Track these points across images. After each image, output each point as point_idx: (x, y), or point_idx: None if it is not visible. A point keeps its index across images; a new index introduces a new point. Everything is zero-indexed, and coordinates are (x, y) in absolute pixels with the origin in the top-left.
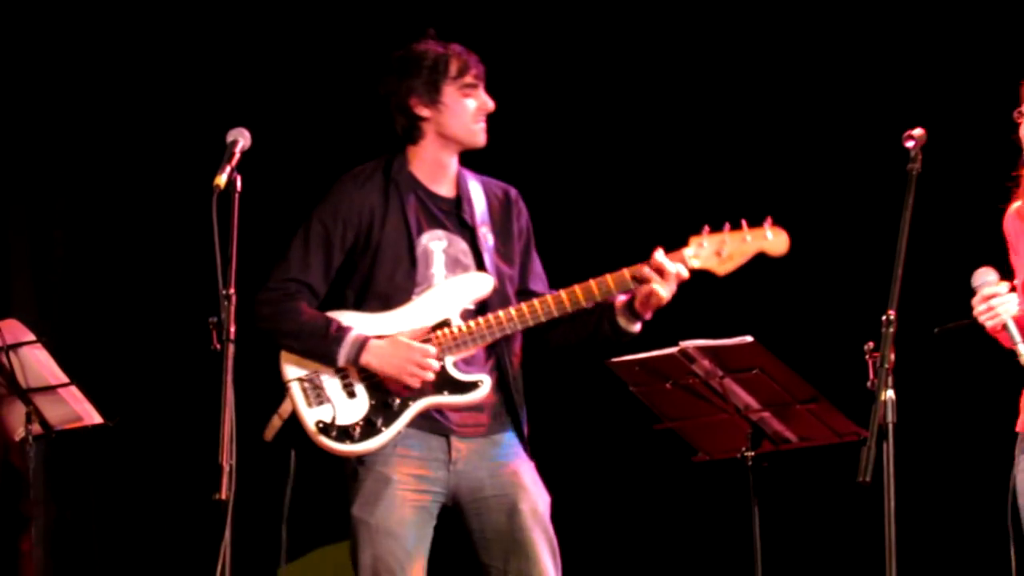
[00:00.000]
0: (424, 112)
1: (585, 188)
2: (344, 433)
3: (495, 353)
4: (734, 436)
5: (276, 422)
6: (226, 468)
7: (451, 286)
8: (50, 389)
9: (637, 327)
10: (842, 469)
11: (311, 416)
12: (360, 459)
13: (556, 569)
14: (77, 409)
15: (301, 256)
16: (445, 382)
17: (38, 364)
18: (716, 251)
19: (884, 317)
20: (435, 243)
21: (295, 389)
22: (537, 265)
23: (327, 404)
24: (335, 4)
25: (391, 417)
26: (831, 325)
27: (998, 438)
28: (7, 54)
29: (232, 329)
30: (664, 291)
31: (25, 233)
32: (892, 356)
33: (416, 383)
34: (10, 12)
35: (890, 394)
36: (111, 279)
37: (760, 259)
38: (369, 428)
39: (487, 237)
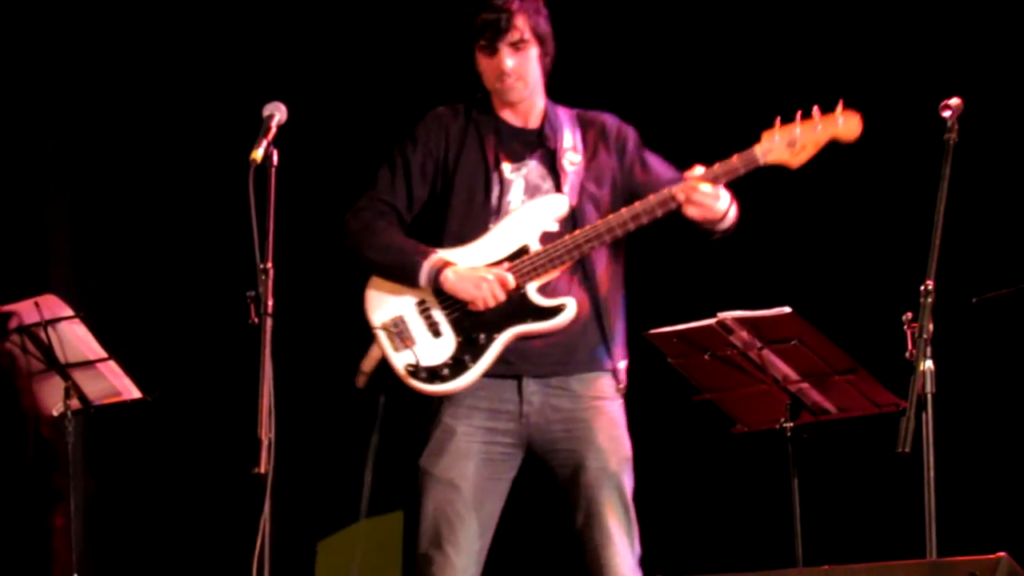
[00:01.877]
0: (475, 64)
1: (662, 91)
2: (434, 373)
3: (579, 278)
4: (773, 407)
5: (367, 368)
6: (265, 442)
7: (525, 211)
8: (89, 364)
9: (718, 223)
10: (881, 440)
11: (400, 360)
12: (437, 409)
13: (625, 530)
14: (116, 384)
15: (388, 181)
16: (528, 309)
17: (76, 339)
18: (788, 143)
19: (922, 287)
20: (513, 174)
21: (382, 335)
22: (657, 166)
23: (415, 347)
24: None
25: (479, 352)
26: (869, 296)
27: None
28: (46, 31)
29: (270, 303)
30: (696, 212)
31: (63, 209)
32: (931, 326)
33: (491, 301)
34: None
35: (929, 364)
36: (149, 254)
37: (798, 231)
38: (458, 366)
39: (571, 160)
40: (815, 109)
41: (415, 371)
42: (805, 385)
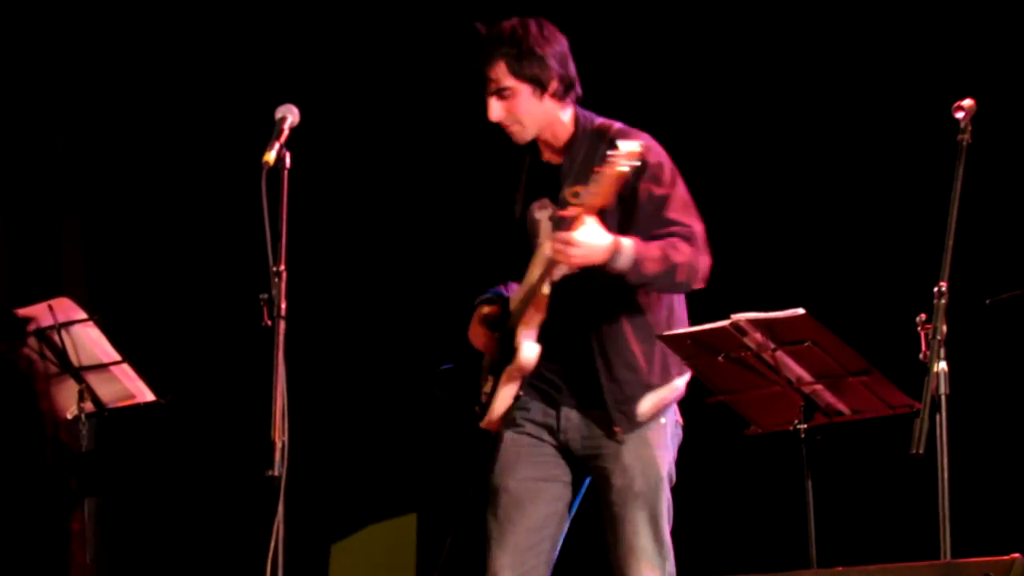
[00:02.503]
0: None
1: None
2: (480, 407)
3: (579, 315)
4: (786, 409)
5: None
6: (278, 445)
7: (534, 257)
8: (102, 367)
9: (615, 268)
10: (895, 441)
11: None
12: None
13: (651, 548)
14: (129, 387)
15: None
16: (507, 351)
17: (90, 342)
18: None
19: (936, 289)
20: (540, 212)
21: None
22: (671, 216)
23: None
24: None
25: (493, 392)
26: (883, 297)
27: None
28: (54, 32)
29: (283, 306)
30: (562, 259)
31: (75, 211)
32: (944, 328)
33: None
34: None
35: (943, 366)
36: (162, 256)
37: (811, 232)
38: (485, 405)
39: (574, 197)
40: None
41: (479, 402)
42: (819, 387)
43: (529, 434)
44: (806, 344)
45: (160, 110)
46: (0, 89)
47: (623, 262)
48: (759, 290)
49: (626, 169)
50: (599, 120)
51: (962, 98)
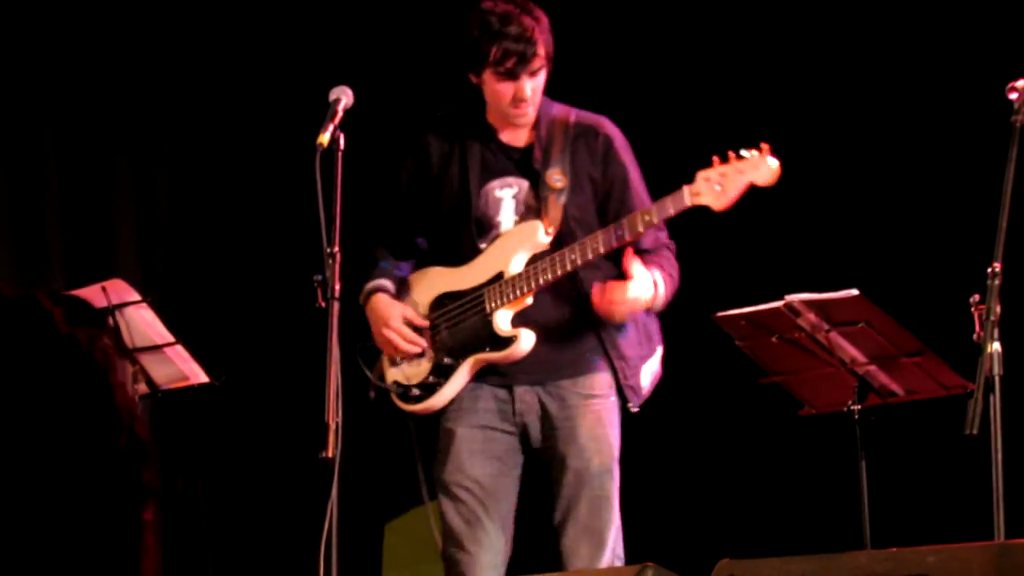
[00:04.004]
0: (474, 80)
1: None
2: (406, 392)
3: (565, 293)
4: (840, 390)
5: (374, 382)
6: (332, 426)
7: (507, 237)
8: (156, 348)
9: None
10: (949, 422)
11: (390, 376)
12: (439, 418)
13: (604, 528)
14: (183, 368)
15: (378, 218)
16: (489, 337)
17: (144, 323)
18: (713, 185)
19: (989, 269)
20: (504, 191)
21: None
22: (635, 201)
23: (403, 363)
24: None
25: (447, 375)
26: (937, 277)
27: None
28: (113, 10)
29: (337, 287)
30: (612, 317)
31: (128, 193)
32: (998, 308)
33: (387, 349)
34: None
35: (996, 346)
36: (216, 238)
37: (865, 213)
38: (429, 387)
39: (556, 183)
40: (730, 153)
41: (399, 387)
42: (873, 367)
43: (483, 426)
44: (860, 325)
45: (215, 91)
46: (55, 70)
47: (658, 305)
48: (813, 271)
49: (760, 183)
50: (556, 105)
51: (1016, 79)
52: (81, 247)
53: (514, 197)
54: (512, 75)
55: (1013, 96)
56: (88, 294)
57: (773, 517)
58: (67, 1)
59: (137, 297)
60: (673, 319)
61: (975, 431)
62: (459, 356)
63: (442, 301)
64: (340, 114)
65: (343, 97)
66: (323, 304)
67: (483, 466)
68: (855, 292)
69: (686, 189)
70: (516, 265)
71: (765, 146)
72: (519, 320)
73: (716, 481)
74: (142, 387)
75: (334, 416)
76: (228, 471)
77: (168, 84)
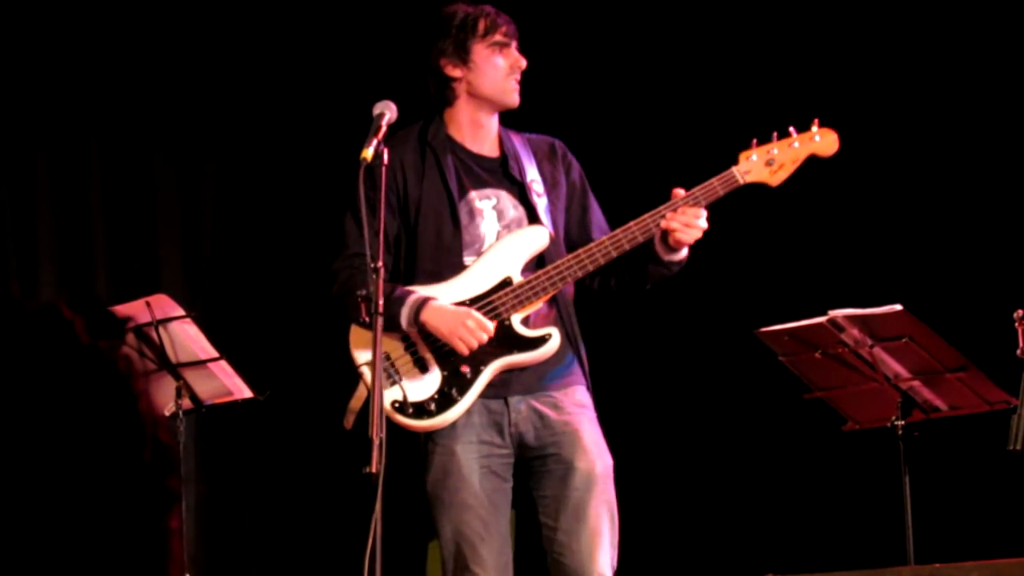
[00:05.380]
0: (455, 72)
1: (634, 118)
2: (420, 409)
3: (554, 305)
4: (884, 405)
5: (354, 407)
6: (376, 441)
7: (507, 243)
8: (200, 364)
9: (679, 255)
10: (993, 437)
11: (386, 397)
12: (428, 435)
13: (609, 531)
14: (227, 383)
15: (356, 230)
16: (514, 340)
17: (188, 339)
18: (766, 162)
19: None
20: (483, 202)
21: (367, 372)
22: (597, 215)
23: (400, 382)
24: None
25: (465, 385)
26: (981, 293)
27: None
28: (159, 26)
29: (381, 302)
30: (685, 236)
31: (173, 208)
32: None
33: (463, 348)
34: None
35: None
36: (260, 252)
37: (908, 228)
38: (445, 399)
39: (538, 192)
40: (791, 128)
41: (401, 407)
42: (916, 383)
43: (481, 441)
44: (903, 340)
45: (259, 106)
46: (102, 86)
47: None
48: (856, 286)
49: (823, 153)
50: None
51: None
52: (126, 262)
53: (494, 208)
54: (505, 43)
55: None
56: (132, 309)
57: (817, 532)
58: (115, 19)
59: (181, 312)
60: (716, 334)
61: (1019, 447)
62: (479, 364)
63: None
64: (384, 129)
65: (387, 112)
66: (367, 319)
67: (483, 482)
68: (899, 307)
69: (735, 169)
70: (522, 270)
71: (816, 121)
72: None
73: (761, 497)
74: (186, 402)
75: (378, 431)
76: (272, 487)
77: (213, 99)
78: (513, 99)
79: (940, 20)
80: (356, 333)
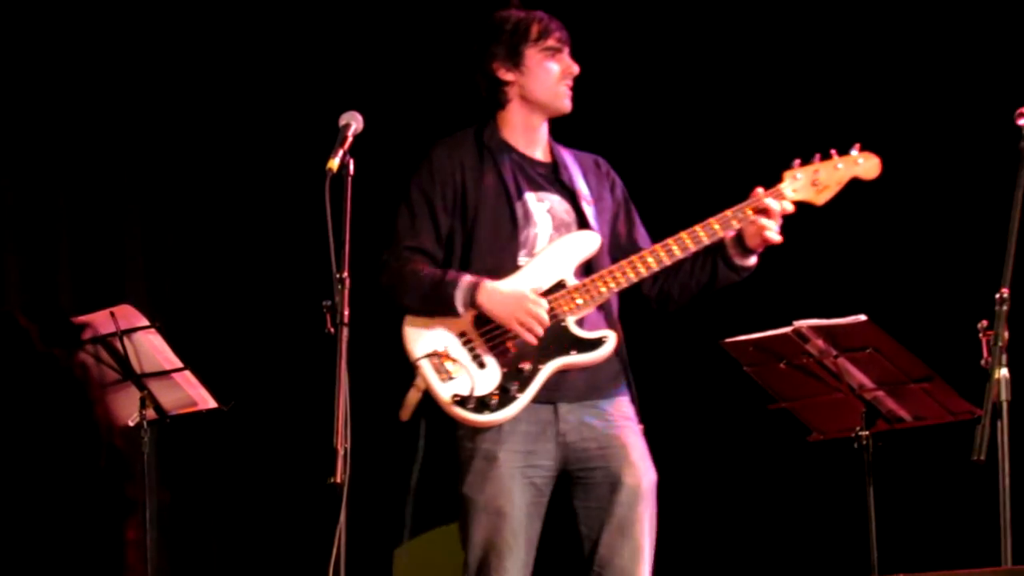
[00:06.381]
0: (507, 76)
1: (675, 138)
2: (482, 403)
3: (603, 312)
4: (848, 415)
5: (411, 401)
6: (341, 452)
7: (561, 246)
8: (164, 374)
9: (752, 260)
10: (956, 448)
11: (446, 390)
12: (468, 438)
13: (649, 547)
14: (191, 394)
15: (408, 224)
16: (571, 341)
17: (152, 349)
18: (811, 182)
19: (998, 295)
20: (537, 204)
21: (425, 366)
22: (642, 228)
23: (460, 377)
24: None
25: (525, 382)
26: (944, 303)
27: None
28: (117, 41)
29: (346, 312)
30: (773, 232)
31: (138, 219)
32: (1006, 334)
33: (525, 334)
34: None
35: (1004, 372)
36: (224, 263)
37: (873, 238)
38: (505, 395)
39: (587, 200)
40: (832, 151)
41: (463, 401)
42: (880, 393)
43: (526, 451)
44: (868, 350)
45: (224, 116)
46: (65, 96)
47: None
48: (821, 297)
49: (866, 176)
50: None
51: None
52: (91, 272)
53: (548, 211)
54: (557, 48)
55: (1022, 122)
56: (97, 320)
57: (781, 542)
58: (78, 29)
59: (146, 323)
60: (681, 345)
61: (983, 457)
62: (538, 361)
63: None
64: (350, 139)
65: (353, 122)
66: (332, 330)
67: (523, 493)
68: (863, 318)
69: (786, 186)
70: (574, 274)
71: (857, 145)
72: None
73: (725, 507)
74: (150, 413)
75: (343, 442)
76: (237, 497)
77: (178, 109)
78: (565, 104)
79: (897, 43)
80: (411, 327)
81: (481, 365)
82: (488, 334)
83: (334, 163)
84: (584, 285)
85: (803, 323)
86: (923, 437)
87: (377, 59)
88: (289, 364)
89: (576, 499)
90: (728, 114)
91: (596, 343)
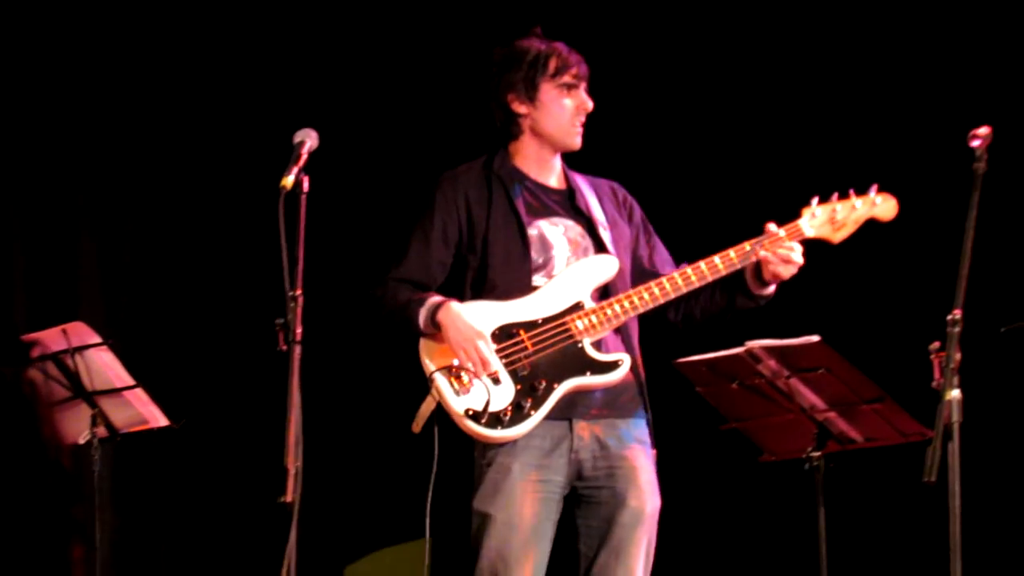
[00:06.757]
0: (521, 108)
1: (693, 168)
2: (495, 419)
3: (621, 336)
4: (800, 436)
5: (424, 413)
6: (292, 471)
7: (578, 269)
8: (116, 392)
9: (770, 290)
10: (908, 469)
11: (460, 404)
12: (483, 451)
13: (644, 572)
14: (143, 411)
15: (405, 256)
16: (586, 363)
17: (104, 366)
18: (829, 219)
19: (950, 316)
20: (552, 228)
21: (440, 379)
22: (664, 251)
23: (474, 391)
24: (401, 3)
25: (538, 400)
26: (897, 324)
27: None
28: (72, 58)
29: (298, 331)
30: (784, 270)
31: (93, 236)
32: (958, 355)
33: (462, 358)
34: (74, 14)
35: (956, 394)
36: (177, 281)
37: (826, 258)
38: (518, 412)
39: (603, 225)
40: (851, 191)
41: (477, 415)
42: (832, 414)
43: (539, 465)
44: (820, 371)
45: (177, 134)
46: (19, 112)
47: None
48: (774, 317)
49: (883, 218)
50: None
51: (978, 126)
52: (45, 290)
53: (564, 235)
54: (574, 84)
55: (975, 144)
56: (49, 337)
57: (732, 563)
58: (41, 41)
59: (98, 340)
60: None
61: (933, 478)
62: (553, 380)
63: (508, 331)
64: (304, 157)
65: (307, 140)
66: (284, 348)
67: (535, 507)
68: (816, 338)
69: (805, 222)
70: (591, 297)
71: (875, 186)
72: None
73: (675, 527)
74: (101, 430)
75: (294, 460)
76: (187, 515)
77: (132, 126)
78: (575, 142)
79: (848, 66)
80: (427, 340)
81: (496, 381)
82: (504, 350)
83: (288, 180)
84: (602, 308)
85: (756, 343)
86: (874, 458)
87: (333, 76)
88: (241, 382)
89: (579, 517)
90: (738, 139)
91: (611, 366)
